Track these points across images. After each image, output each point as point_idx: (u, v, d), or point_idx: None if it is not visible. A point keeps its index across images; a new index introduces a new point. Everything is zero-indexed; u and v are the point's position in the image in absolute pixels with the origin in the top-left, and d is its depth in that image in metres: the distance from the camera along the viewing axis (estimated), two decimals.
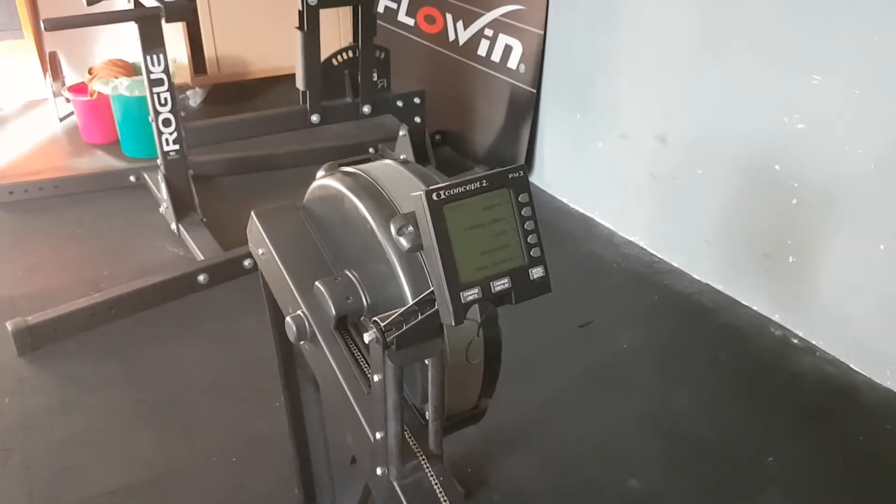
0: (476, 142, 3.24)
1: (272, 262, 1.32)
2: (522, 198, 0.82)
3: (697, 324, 2.29)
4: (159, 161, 2.53)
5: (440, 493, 1.10)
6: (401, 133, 3.05)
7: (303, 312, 1.24)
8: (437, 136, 3.32)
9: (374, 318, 0.99)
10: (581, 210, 2.88)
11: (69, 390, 1.97)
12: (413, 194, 0.80)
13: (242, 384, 1.98)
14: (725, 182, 2.30)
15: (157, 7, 2.27)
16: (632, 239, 2.67)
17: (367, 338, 1.04)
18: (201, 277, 2.32)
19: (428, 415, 1.12)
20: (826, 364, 2.11)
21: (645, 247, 2.63)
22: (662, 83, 2.43)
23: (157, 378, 2.02)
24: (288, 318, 1.24)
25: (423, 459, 1.12)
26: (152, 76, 2.40)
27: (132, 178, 2.91)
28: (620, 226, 2.73)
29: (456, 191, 0.79)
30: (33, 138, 3.33)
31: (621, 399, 1.99)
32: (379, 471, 1.14)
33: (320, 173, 1.32)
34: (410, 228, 0.98)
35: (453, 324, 0.81)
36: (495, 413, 1.24)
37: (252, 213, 1.38)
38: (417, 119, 3.03)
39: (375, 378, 1.09)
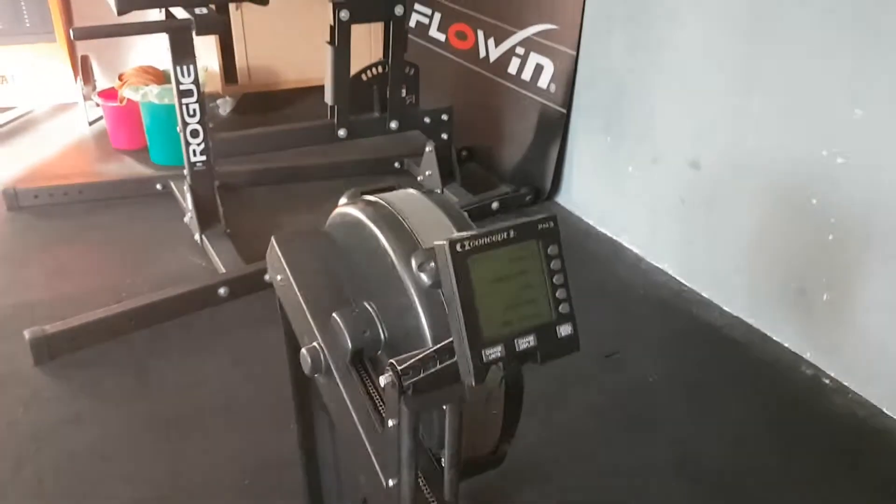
0: (503, 159, 3.20)
1: (290, 289, 1.29)
2: (552, 250, 0.78)
3: (726, 358, 2.22)
4: (186, 171, 2.52)
5: None
6: (427, 149, 3.02)
7: (318, 344, 1.21)
8: (464, 153, 3.28)
9: (391, 361, 0.95)
10: (608, 234, 2.82)
11: (84, 402, 1.95)
12: (436, 243, 0.76)
13: (258, 404, 1.95)
14: (759, 213, 2.24)
15: (188, 19, 2.26)
16: (660, 266, 2.61)
17: (382, 381, 1.00)
18: (222, 290, 2.30)
19: (444, 461, 1.08)
20: (858, 407, 2.03)
21: (674, 275, 2.56)
22: (698, 108, 2.38)
23: (172, 393, 1.99)
24: (303, 350, 1.20)
25: None
26: (181, 87, 2.39)
27: (158, 186, 2.91)
28: (649, 252, 2.67)
29: (481, 241, 0.75)
30: (62, 142, 3.35)
31: (646, 433, 1.93)
32: None
33: (343, 200, 1.29)
34: (432, 264, 0.94)
35: (473, 384, 0.76)
36: (514, 446, 1.19)
37: (272, 237, 1.35)
38: (444, 135, 3.00)
39: (390, 423, 1.05)
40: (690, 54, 2.37)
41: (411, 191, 1.24)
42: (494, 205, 2.93)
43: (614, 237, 2.80)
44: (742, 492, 1.76)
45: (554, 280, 0.78)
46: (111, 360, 2.09)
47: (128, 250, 2.61)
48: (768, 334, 2.28)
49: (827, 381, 2.12)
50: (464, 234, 0.76)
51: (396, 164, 3.21)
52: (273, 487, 1.71)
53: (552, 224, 0.78)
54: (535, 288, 0.78)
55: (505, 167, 3.19)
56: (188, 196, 2.54)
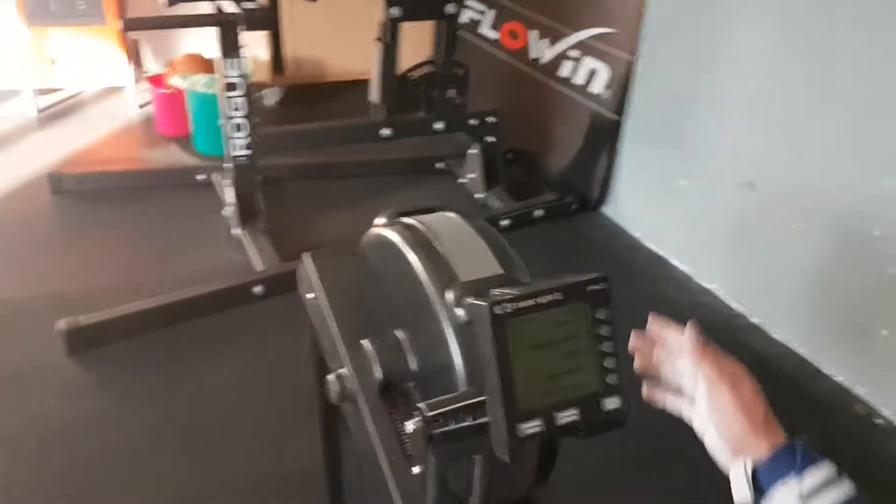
0: (550, 165, 3.11)
1: (320, 310, 1.24)
2: (602, 314, 0.71)
3: (773, 389, 2.09)
4: (227, 165, 2.49)
5: None
6: (472, 151, 2.95)
7: (348, 371, 1.15)
8: (510, 155, 3.20)
9: (420, 405, 0.89)
10: (656, 249, 2.72)
11: (110, 399, 1.94)
12: (474, 302, 0.70)
13: (284, 413, 1.91)
14: (817, 241, 2.12)
15: (237, 14, 2.22)
16: (709, 287, 2.50)
17: (409, 426, 0.94)
18: (257, 289, 2.26)
19: None
20: None
21: (723, 297, 2.46)
22: (759, 127, 2.26)
23: (198, 396, 1.97)
24: (331, 377, 1.15)
25: None
26: (227, 80, 2.36)
27: (200, 177, 2.89)
28: (698, 271, 2.56)
29: (524, 304, 0.68)
30: (108, 126, 3.35)
31: (682, 465, 1.84)
32: None
33: (379, 219, 1.22)
34: (469, 300, 0.88)
35: (507, 460, 0.70)
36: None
37: (304, 255, 1.30)
38: (490, 138, 2.92)
39: (416, 469, 1.00)
40: (755, 69, 2.25)
41: (451, 215, 1.18)
42: (538, 212, 2.85)
43: (662, 254, 2.69)
44: None
45: (603, 347, 0.71)
46: (142, 356, 2.07)
47: (166, 242, 2.59)
48: (820, 367, 2.17)
49: (880, 421, 2.01)
50: (506, 293, 0.70)
51: (439, 165, 3.14)
52: (292, 500, 1.67)
53: (603, 285, 0.71)
54: (581, 355, 0.71)
55: (551, 173, 3.10)
56: (229, 190, 2.51)
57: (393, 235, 1.13)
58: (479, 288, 0.92)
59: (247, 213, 2.51)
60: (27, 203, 2.71)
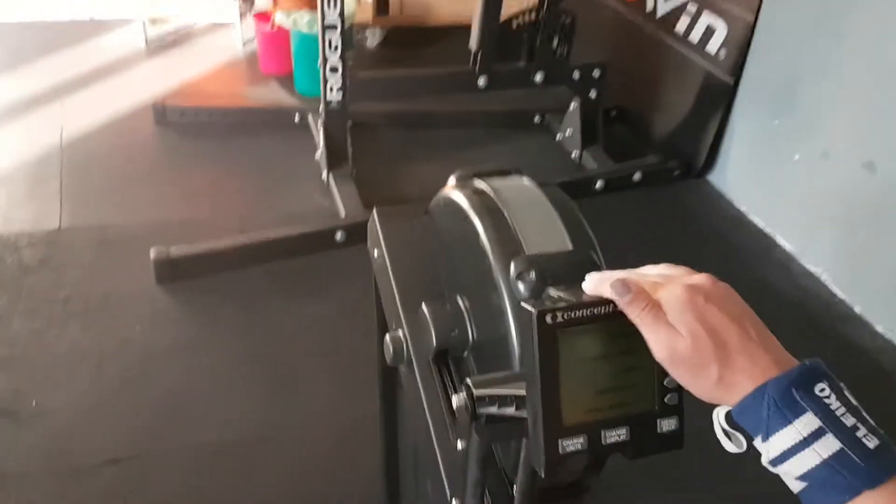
0: (655, 126, 2.96)
1: (385, 268, 1.21)
2: None
3: (869, 387, 1.94)
4: (321, 108, 2.48)
5: None
6: (572, 106, 2.83)
7: (403, 334, 1.13)
8: (613, 113, 3.06)
9: (467, 381, 0.85)
10: (761, 225, 2.55)
11: (196, 330, 2.00)
12: (523, 305, 0.64)
13: (359, 357, 1.90)
14: None
15: None
16: (813, 270, 2.33)
17: (455, 401, 0.91)
18: (339, 235, 2.27)
19: (515, 489, 0.98)
20: None
21: (827, 282, 2.29)
22: (883, 105, 2.05)
23: (279, 335, 2.00)
24: (387, 338, 1.12)
25: None
26: (326, 20, 2.33)
27: (297, 118, 2.90)
28: (804, 253, 2.39)
29: (578, 314, 0.62)
30: (214, 60, 3.41)
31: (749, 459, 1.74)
32: None
33: (451, 180, 1.18)
34: (532, 275, 0.83)
35: (542, 476, 0.65)
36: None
37: (374, 210, 1.27)
38: (593, 94, 2.79)
39: (459, 445, 0.96)
40: (884, 38, 2.03)
41: (526, 181, 1.11)
42: (637, 176, 2.72)
43: (766, 230, 2.52)
44: None
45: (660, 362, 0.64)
46: (227, 291, 2.12)
47: (258, 180, 2.63)
48: None
49: None
50: (559, 301, 0.64)
51: (536, 119, 3.04)
52: (362, 444, 1.68)
53: None
54: (638, 371, 0.64)
55: (656, 135, 2.95)
56: (320, 133, 2.51)
57: (461, 199, 1.08)
58: (544, 263, 0.86)
59: (335, 158, 2.51)
60: (132, 132, 2.80)
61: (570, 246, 1.00)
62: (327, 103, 2.44)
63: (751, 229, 2.54)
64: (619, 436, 0.63)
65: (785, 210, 2.46)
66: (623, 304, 0.62)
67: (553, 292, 0.75)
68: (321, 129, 2.51)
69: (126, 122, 2.85)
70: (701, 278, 0.65)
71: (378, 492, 1.48)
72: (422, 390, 1.09)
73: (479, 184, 1.09)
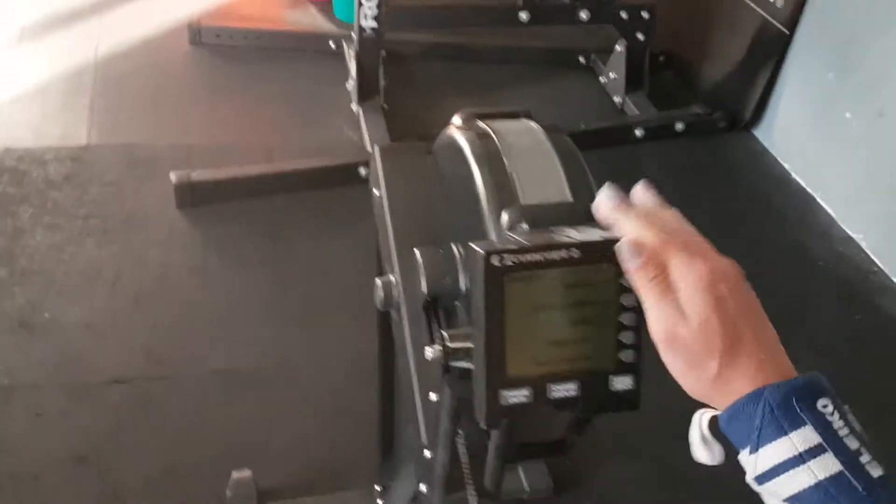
0: (703, 74, 2.82)
1: (382, 209, 1.17)
2: (627, 281, 0.59)
3: None
4: (354, 35, 2.41)
5: None
6: (617, 48, 2.71)
7: (395, 278, 1.09)
8: (661, 59, 2.91)
9: (442, 332, 0.82)
10: (803, 184, 2.43)
11: (215, 256, 2.00)
12: (471, 245, 0.59)
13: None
14: None
15: None
16: (855, 237, 2.22)
17: (428, 353, 0.88)
18: (363, 170, 2.23)
19: (490, 443, 0.96)
20: None
21: (867, 250, 2.17)
22: None
23: (299, 266, 1.99)
24: (377, 281, 1.09)
25: (473, 495, 0.96)
26: None
27: (332, 45, 2.83)
28: (845, 217, 2.27)
29: (530, 258, 0.57)
30: None
31: None
32: (423, 488, 1.00)
33: (456, 119, 1.12)
34: (524, 226, 0.78)
35: (483, 426, 0.62)
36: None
37: (376, 147, 1.23)
38: (641, 35, 2.66)
39: (432, 396, 0.93)
40: None
41: (533, 126, 1.04)
42: (679, 125, 2.61)
43: (809, 190, 2.40)
44: None
45: (623, 319, 0.59)
46: (249, 220, 2.11)
47: (288, 108, 2.59)
48: None
49: None
50: (508, 243, 0.59)
51: (581, 59, 2.92)
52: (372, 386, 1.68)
53: None
54: (595, 325, 0.59)
55: (704, 84, 2.81)
56: (352, 63, 2.45)
57: (462, 140, 1.02)
58: (538, 214, 0.81)
59: (366, 90, 2.45)
60: (165, 52, 2.77)
61: (569, 198, 0.95)
62: (361, 31, 2.36)
63: (793, 188, 2.42)
64: (567, 391, 0.59)
65: (830, 171, 2.33)
66: (630, 269, 0.56)
67: (521, 231, 0.71)
68: (353, 58, 2.44)
69: (161, 40, 2.82)
70: (727, 264, 0.57)
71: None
72: (407, 337, 1.06)
73: (483, 125, 1.04)
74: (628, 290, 0.58)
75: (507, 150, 1.00)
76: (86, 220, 2.04)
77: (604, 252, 0.58)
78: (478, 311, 0.58)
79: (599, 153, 2.53)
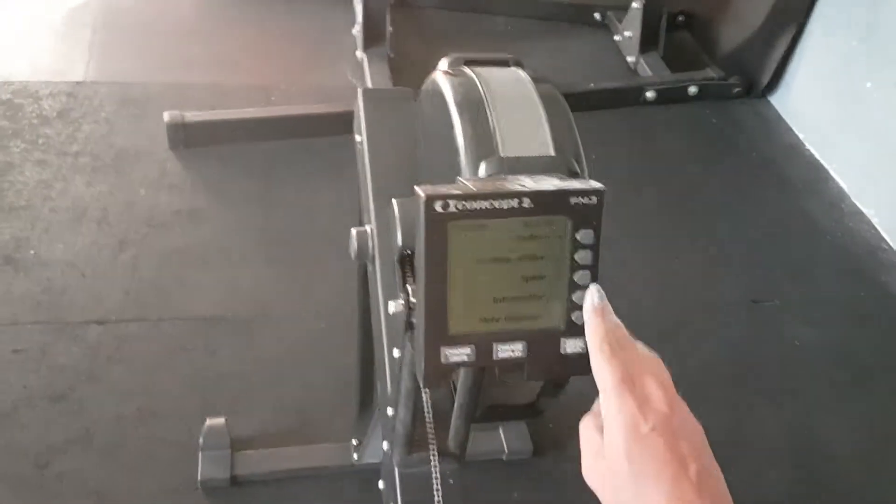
0: (722, 36, 2.71)
1: (363, 156, 1.12)
2: (585, 236, 0.54)
3: None
4: None
5: (437, 495, 0.92)
6: (634, 4, 2.61)
7: (371, 229, 1.05)
8: (680, 18, 2.81)
9: (407, 287, 0.78)
10: (816, 155, 2.35)
11: (204, 199, 1.96)
12: (415, 189, 0.55)
13: None
14: None
15: None
16: (865, 211, 2.15)
17: (391, 307, 0.83)
18: None
19: (455, 403, 0.92)
20: None
21: (877, 226, 2.10)
22: None
23: (291, 214, 1.95)
24: (353, 231, 1.05)
25: (434, 455, 0.92)
26: None
27: None
28: (857, 190, 2.20)
29: (477, 205, 0.53)
30: None
31: (764, 406, 1.65)
32: (385, 446, 0.97)
33: (442, 64, 1.06)
34: (504, 178, 0.74)
35: (422, 386, 0.58)
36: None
37: (359, 90, 1.17)
38: None
39: (395, 353, 0.90)
40: None
41: (522, 75, 0.99)
42: (692, 89, 2.52)
43: (822, 161, 2.33)
44: None
45: (576, 277, 0.55)
46: (242, 163, 2.07)
47: (291, 51, 2.52)
48: None
49: None
50: (453, 188, 0.54)
51: (597, 16, 2.81)
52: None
53: (595, 200, 0.54)
54: (545, 281, 0.55)
55: (721, 45, 2.71)
56: (358, 6, 2.37)
57: (445, 86, 0.96)
58: (516, 167, 0.77)
59: (372, 36, 2.38)
60: None
61: (551, 151, 0.90)
62: None
63: (806, 159, 2.35)
64: (513, 351, 0.55)
65: (846, 142, 2.25)
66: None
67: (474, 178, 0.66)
68: (360, 1, 2.36)
69: None
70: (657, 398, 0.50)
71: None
72: (379, 290, 1.02)
73: (468, 72, 0.98)
74: (584, 246, 0.54)
75: (492, 99, 0.95)
76: (76, 158, 2.00)
77: (558, 203, 0.53)
78: (419, 262, 0.54)
79: (608, 114, 2.46)
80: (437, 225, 0.52)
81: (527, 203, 0.53)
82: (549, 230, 0.54)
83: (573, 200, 0.53)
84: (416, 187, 0.54)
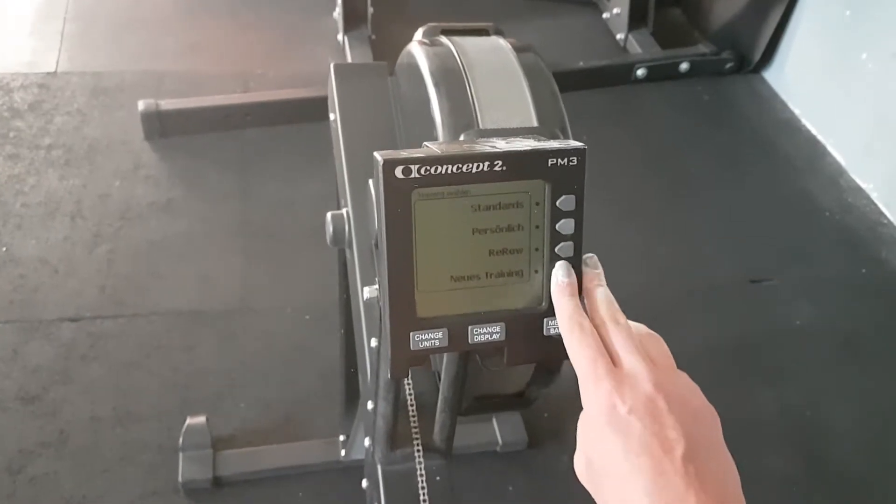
0: (712, 12, 2.65)
1: (337, 135, 1.06)
2: (566, 203, 0.48)
3: None
4: None
5: (423, 493, 0.86)
6: None
7: (347, 213, 0.99)
8: None
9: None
10: (812, 130, 2.29)
11: (179, 190, 1.89)
12: (374, 155, 0.48)
13: None
14: None
15: None
16: (864, 186, 2.09)
17: (365, 293, 0.78)
18: None
19: (440, 394, 0.86)
20: None
21: (876, 201, 2.05)
22: None
23: (269, 204, 1.88)
24: (328, 215, 0.99)
25: (418, 451, 0.86)
26: None
27: None
28: (855, 166, 2.14)
29: (443, 170, 0.46)
30: None
31: (767, 387, 1.60)
32: (367, 442, 0.91)
33: (418, 34, 1.00)
34: (474, 140, 0.68)
35: (388, 376, 0.52)
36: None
37: (332, 65, 1.11)
38: None
39: (372, 342, 0.83)
40: None
41: (502, 43, 0.93)
42: (684, 66, 2.45)
43: (818, 136, 2.27)
44: (863, 484, 1.43)
45: (558, 249, 0.49)
46: (219, 153, 2.00)
47: (269, 37, 2.44)
48: None
49: None
50: (416, 152, 0.48)
51: None
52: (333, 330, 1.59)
53: (576, 161, 0.47)
54: (524, 255, 0.49)
55: (712, 21, 2.64)
56: None
57: (420, 57, 0.90)
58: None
59: (353, 19, 2.31)
60: None
61: (534, 122, 0.84)
62: None
63: (802, 135, 2.29)
64: (490, 334, 0.49)
65: (842, 117, 2.19)
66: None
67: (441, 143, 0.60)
68: None
69: None
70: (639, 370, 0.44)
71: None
72: (357, 277, 0.96)
73: (445, 42, 0.92)
74: (565, 213, 0.48)
75: (470, 69, 0.89)
76: (48, 151, 1.93)
77: (534, 165, 0.47)
78: (381, 237, 0.48)
79: (598, 94, 2.39)
80: (399, 194, 0.46)
81: (499, 166, 0.46)
82: (525, 196, 0.47)
83: (551, 161, 0.47)
84: (374, 153, 0.47)
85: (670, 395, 0.43)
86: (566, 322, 0.47)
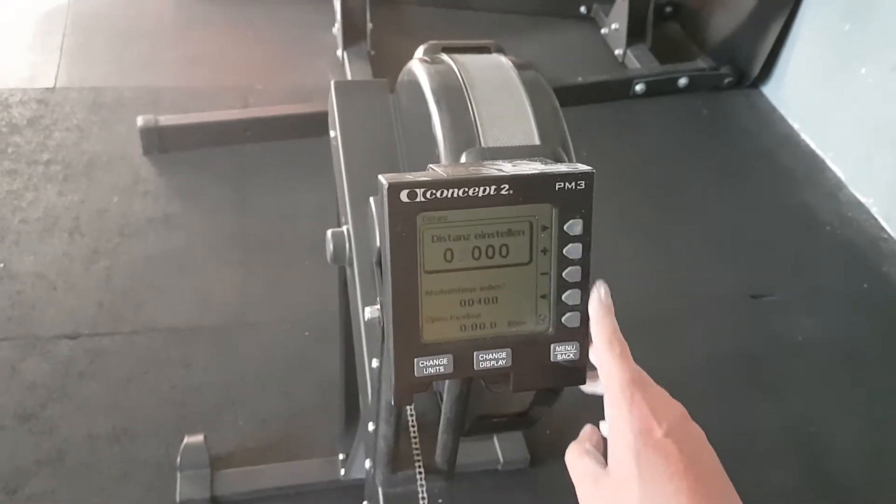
0: (711, 26, 2.66)
1: (338, 153, 1.06)
2: (573, 227, 0.47)
3: None
4: None
5: None
6: None
7: (347, 231, 0.98)
8: (668, 9, 2.75)
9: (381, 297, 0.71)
10: (812, 145, 2.29)
11: (179, 205, 1.88)
12: (379, 178, 0.48)
13: None
14: None
15: None
16: (864, 201, 2.09)
17: (367, 313, 0.77)
18: None
19: (442, 415, 0.85)
20: None
21: (877, 215, 2.05)
22: None
23: (268, 218, 1.88)
24: (329, 233, 0.98)
25: (420, 473, 0.85)
26: None
27: None
28: (855, 180, 2.14)
29: (448, 193, 0.46)
30: None
31: (768, 401, 1.59)
32: (367, 464, 0.90)
33: (419, 52, 0.99)
34: (480, 163, 0.68)
35: (392, 403, 0.51)
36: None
37: (332, 82, 1.11)
38: None
39: (374, 363, 0.83)
40: None
41: (503, 61, 0.92)
42: (682, 80, 2.46)
43: (818, 150, 2.27)
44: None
45: (565, 274, 0.48)
46: (218, 168, 1.99)
47: (269, 52, 2.45)
48: None
49: None
50: (421, 175, 0.47)
51: (582, 9, 2.75)
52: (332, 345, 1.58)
53: (584, 185, 0.47)
54: (530, 280, 0.48)
55: (711, 36, 2.65)
56: (337, 4, 2.31)
57: (421, 75, 0.90)
58: (498, 158, 0.70)
59: (352, 33, 2.31)
60: None
61: (536, 140, 0.83)
62: None
63: (801, 149, 2.29)
64: (496, 360, 0.49)
65: (842, 131, 2.19)
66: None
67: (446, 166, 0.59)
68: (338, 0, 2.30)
69: None
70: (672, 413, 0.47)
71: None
72: (358, 296, 0.95)
73: (446, 59, 0.92)
74: (573, 238, 0.47)
75: (471, 87, 0.88)
76: (47, 166, 1.92)
77: (542, 189, 0.46)
78: (385, 260, 0.47)
79: (597, 109, 2.40)
80: (404, 218, 0.45)
81: (505, 190, 0.46)
82: (532, 221, 0.47)
83: (558, 185, 0.46)
84: (379, 176, 0.47)
85: (692, 423, 0.47)
86: (606, 338, 0.47)
